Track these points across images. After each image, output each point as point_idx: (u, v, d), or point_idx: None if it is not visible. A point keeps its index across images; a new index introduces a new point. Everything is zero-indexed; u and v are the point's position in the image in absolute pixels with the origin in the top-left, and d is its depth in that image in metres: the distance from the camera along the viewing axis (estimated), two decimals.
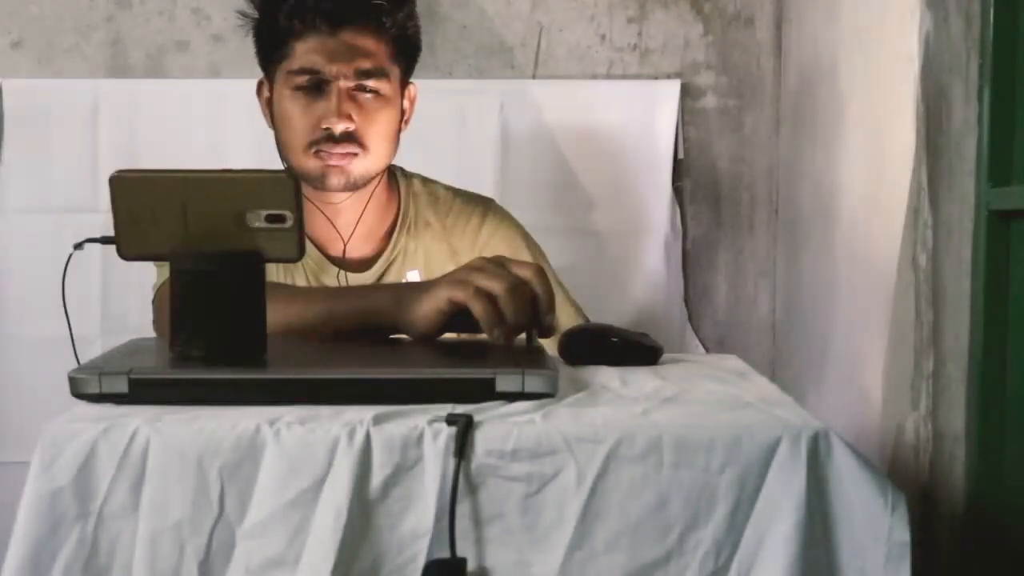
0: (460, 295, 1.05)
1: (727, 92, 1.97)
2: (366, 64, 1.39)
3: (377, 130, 1.41)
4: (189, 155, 1.86)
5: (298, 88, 1.40)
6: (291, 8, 1.39)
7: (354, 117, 1.39)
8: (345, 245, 1.47)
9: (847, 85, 1.56)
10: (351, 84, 1.39)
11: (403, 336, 1.11)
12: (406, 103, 1.48)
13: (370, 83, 1.40)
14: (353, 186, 1.42)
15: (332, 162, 1.40)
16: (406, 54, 1.46)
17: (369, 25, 1.40)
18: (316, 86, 1.39)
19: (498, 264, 1.08)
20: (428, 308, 1.07)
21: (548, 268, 1.54)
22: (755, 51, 1.96)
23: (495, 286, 1.04)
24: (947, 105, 1.18)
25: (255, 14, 1.45)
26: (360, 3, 1.39)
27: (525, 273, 1.07)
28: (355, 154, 1.40)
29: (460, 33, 1.94)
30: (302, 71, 1.39)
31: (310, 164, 1.40)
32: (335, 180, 1.41)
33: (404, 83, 1.47)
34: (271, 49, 1.43)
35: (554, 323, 1.08)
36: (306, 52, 1.39)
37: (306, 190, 1.42)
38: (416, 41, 1.48)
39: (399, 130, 1.47)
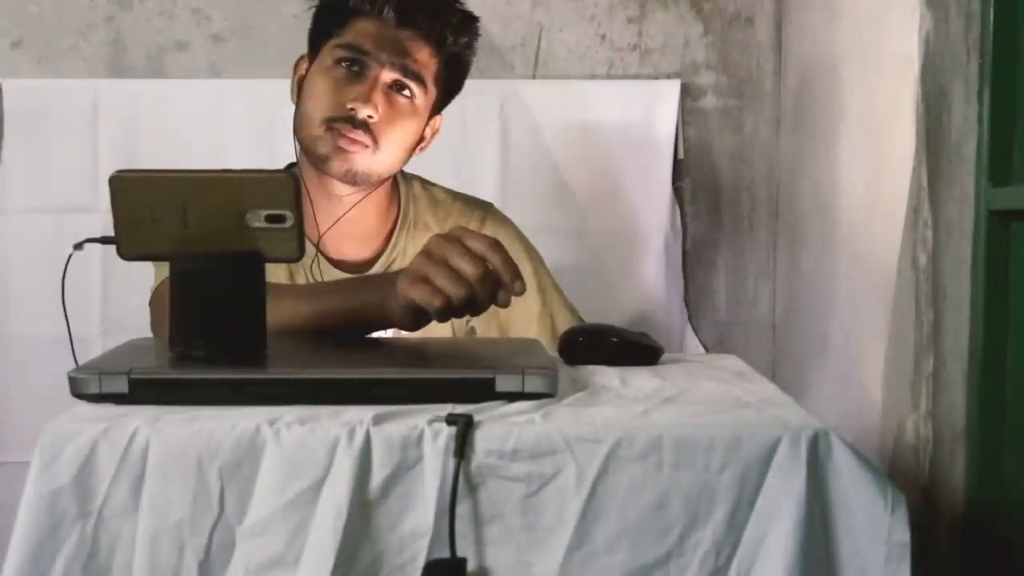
0: (418, 296, 1.02)
1: (727, 92, 1.97)
2: (413, 67, 1.39)
3: (395, 131, 1.40)
4: (189, 155, 1.86)
5: (338, 63, 1.39)
6: None
7: (379, 109, 1.38)
8: (320, 238, 1.44)
9: (847, 85, 1.56)
10: (390, 79, 1.38)
11: (395, 335, 1.10)
12: (428, 131, 1.47)
13: (409, 84, 1.39)
14: (352, 179, 1.40)
15: (342, 144, 1.37)
16: (450, 82, 1.46)
17: (431, 37, 1.40)
18: (358, 68, 1.38)
19: (453, 241, 1.04)
20: (398, 310, 1.06)
21: (545, 273, 1.54)
22: (755, 51, 1.96)
23: (451, 289, 1.01)
24: (947, 105, 1.18)
25: None
26: (435, 15, 1.39)
27: (479, 248, 1.03)
28: (366, 146, 1.38)
29: None
30: (350, 47, 1.38)
31: (321, 139, 1.38)
32: (337, 165, 1.38)
33: (434, 109, 1.46)
34: (330, 24, 1.42)
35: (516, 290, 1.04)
36: (361, 32, 1.38)
37: (313, 179, 1.42)
38: (463, 72, 1.47)
39: (414, 148, 1.45)
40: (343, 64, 1.39)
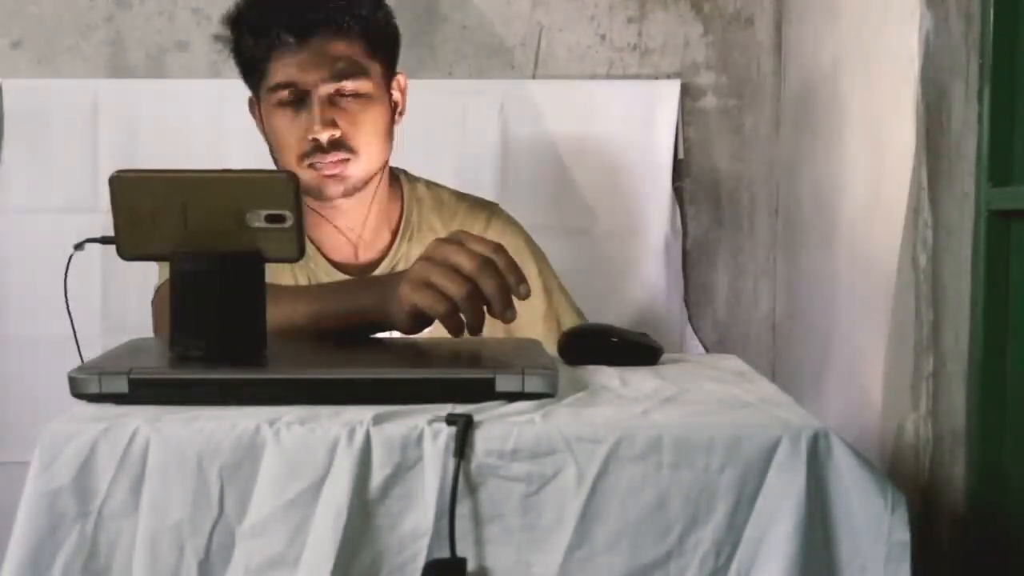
0: (421, 301, 1.02)
1: (727, 92, 1.97)
2: (341, 67, 1.37)
3: (364, 131, 1.40)
4: (189, 155, 1.86)
5: (281, 104, 1.39)
6: (256, 29, 1.38)
7: (338, 123, 1.37)
8: (356, 249, 1.47)
9: (847, 85, 1.56)
10: (330, 90, 1.38)
11: (392, 335, 1.10)
12: (397, 94, 1.47)
13: (349, 85, 1.38)
14: (352, 190, 1.41)
15: (326, 172, 1.39)
16: (384, 46, 1.44)
17: (338, 32, 1.38)
18: (298, 99, 1.38)
19: (453, 244, 1.03)
20: (400, 314, 1.05)
21: (551, 274, 1.54)
22: (755, 51, 1.96)
23: (454, 289, 1.01)
24: (947, 105, 1.18)
25: (230, 36, 1.44)
26: (322, 8, 1.37)
27: (480, 249, 1.02)
28: (347, 160, 1.39)
29: (460, 33, 1.94)
30: (279, 86, 1.38)
31: (305, 176, 1.38)
32: (332, 189, 1.40)
33: (389, 76, 1.45)
34: (250, 70, 1.43)
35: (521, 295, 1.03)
36: (280, 67, 1.37)
37: (306, 199, 1.43)
38: (391, 31, 1.45)
39: (391, 125, 1.45)
40: (284, 104, 1.39)
